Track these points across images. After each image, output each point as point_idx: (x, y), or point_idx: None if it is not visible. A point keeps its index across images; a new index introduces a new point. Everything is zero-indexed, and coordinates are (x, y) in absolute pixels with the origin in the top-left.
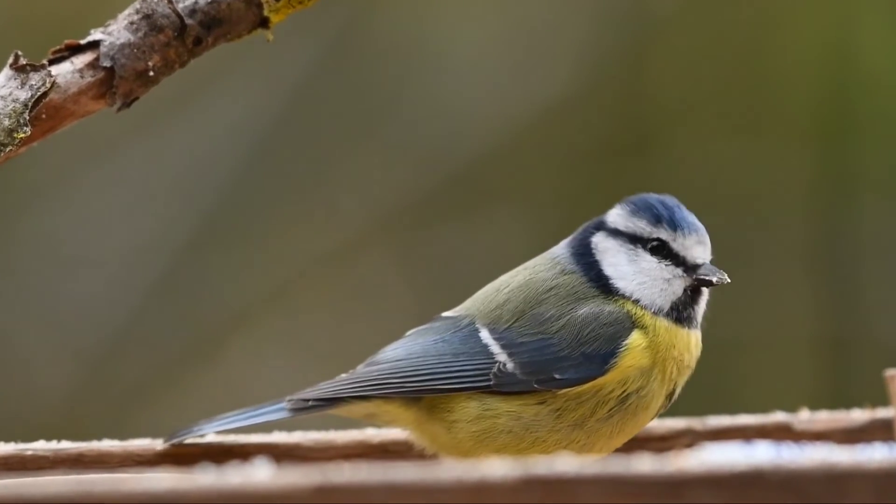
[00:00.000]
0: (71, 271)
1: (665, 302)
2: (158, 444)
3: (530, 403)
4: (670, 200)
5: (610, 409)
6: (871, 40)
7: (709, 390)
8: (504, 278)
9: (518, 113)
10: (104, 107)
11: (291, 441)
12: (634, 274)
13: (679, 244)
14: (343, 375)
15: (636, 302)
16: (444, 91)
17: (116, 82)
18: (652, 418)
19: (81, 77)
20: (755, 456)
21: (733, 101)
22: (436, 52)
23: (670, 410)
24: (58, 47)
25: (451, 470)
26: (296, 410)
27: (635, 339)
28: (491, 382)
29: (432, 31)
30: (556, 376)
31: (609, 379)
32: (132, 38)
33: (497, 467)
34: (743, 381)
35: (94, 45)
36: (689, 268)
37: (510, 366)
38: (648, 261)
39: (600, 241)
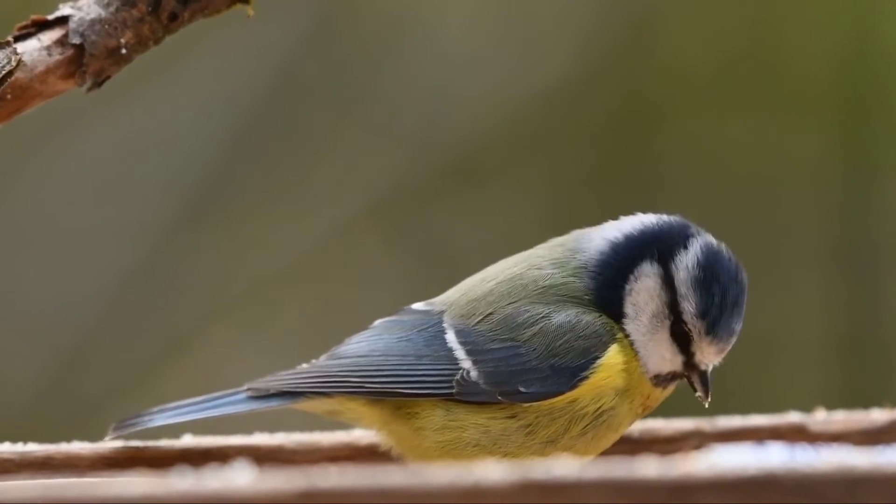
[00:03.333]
0: (35, 257)
1: (654, 370)
2: (130, 445)
3: (498, 417)
4: (735, 271)
5: (585, 427)
6: (891, 12)
7: (718, 388)
8: (494, 269)
9: (516, 91)
10: (73, 86)
11: (274, 443)
12: (647, 333)
13: (700, 348)
14: (304, 366)
15: (632, 346)
16: (436, 70)
17: (86, 60)
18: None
19: (49, 55)
20: (768, 459)
21: (746, 78)
22: (427, 30)
23: (677, 410)
24: (24, 23)
25: (444, 473)
26: (255, 400)
27: (612, 356)
28: (454, 390)
29: (424, 6)
30: (521, 389)
31: (583, 393)
32: (103, 14)
33: (492, 471)
34: (755, 379)
35: (63, 20)
36: (692, 365)
37: (474, 374)
38: (664, 336)
39: (644, 272)
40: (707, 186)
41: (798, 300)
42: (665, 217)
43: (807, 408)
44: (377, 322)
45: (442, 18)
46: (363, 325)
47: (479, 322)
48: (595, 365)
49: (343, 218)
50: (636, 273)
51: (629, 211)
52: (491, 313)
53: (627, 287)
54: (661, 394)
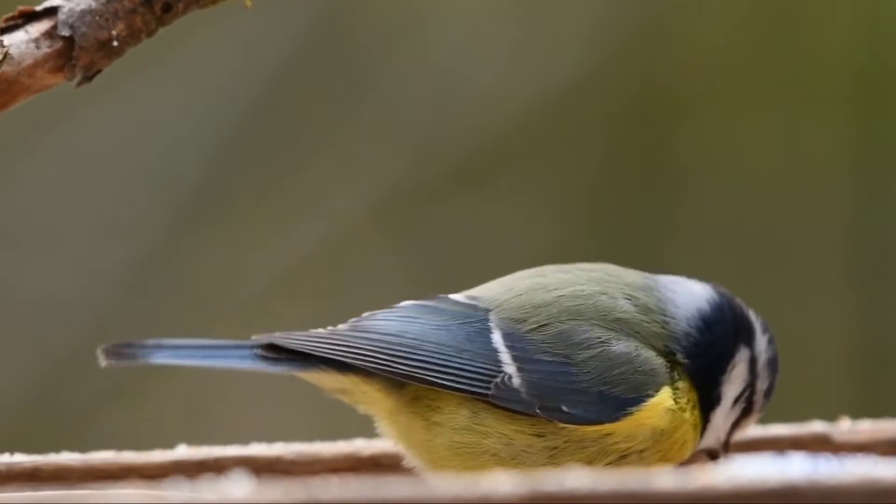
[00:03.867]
0: (24, 262)
1: (703, 445)
2: (123, 457)
3: (526, 432)
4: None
5: (608, 463)
6: None
7: None
8: (553, 278)
9: (525, 87)
10: (63, 81)
11: (272, 454)
12: (726, 416)
13: (748, 423)
14: (320, 331)
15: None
16: (443, 66)
17: (76, 53)
18: None
19: (37, 47)
20: (789, 470)
21: (765, 71)
22: (434, 23)
23: None
24: (10, 14)
25: (451, 485)
26: (263, 360)
27: (663, 396)
28: (489, 392)
29: (429, 1)
30: (564, 408)
31: (620, 428)
32: (94, 4)
33: (502, 482)
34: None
35: (52, 11)
36: (726, 441)
37: (516, 381)
38: (733, 417)
39: (741, 358)
40: (723, 186)
41: (821, 305)
42: (714, 288)
43: (830, 417)
44: (406, 303)
45: (449, 12)
46: None
47: (531, 330)
48: (645, 403)
49: (345, 220)
50: (735, 360)
51: (642, 210)
52: (546, 325)
53: (727, 375)
54: (686, 452)
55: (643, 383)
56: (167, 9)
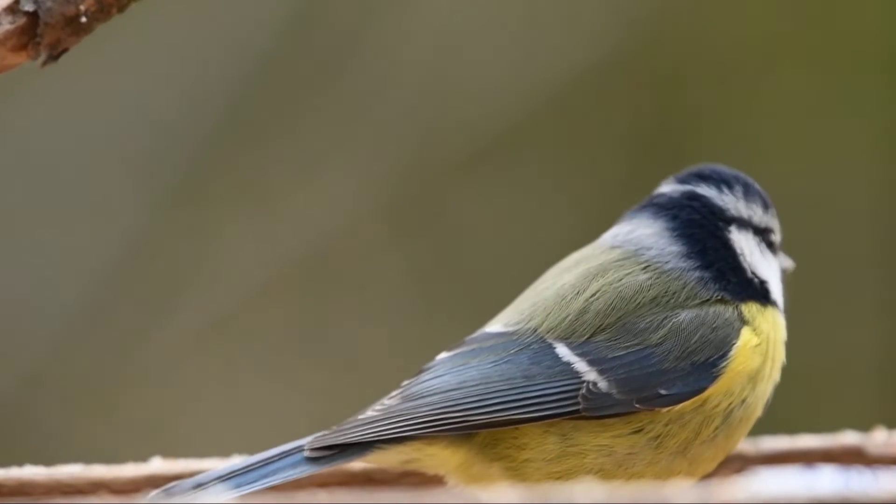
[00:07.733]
0: None
1: (779, 293)
2: (92, 471)
3: (624, 434)
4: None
5: (715, 428)
6: None
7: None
8: (569, 281)
9: (540, 72)
10: (26, 60)
11: None
12: (772, 273)
13: (778, 234)
14: (370, 413)
15: (776, 306)
16: (454, 51)
17: (41, 30)
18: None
19: None
20: (818, 485)
21: (795, 49)
22: (443, 5)
23: None
24: None
25: (450, 496)
26: (317, 462)
27: (745, 338)
28: (580, 406)
29: None
30: (662, 392)
31: (715, 390)
32: None
33: (506, 495)
34: (805, 396)
35: None
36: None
37: (603, 385)
38: (770, 259)
39: (740, 239)
40: (748, 172)
41: (854, 307)
42: (653, 216)
43: (864, 427)
44: (442, 356)
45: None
46: (368, 332)
47: (588, 337)
48: (731, 353)
49: (346, 210)
50: (736, 244)
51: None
52: (602, 329)
53: (743, 261)
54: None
55: (725, 336)
56: None
